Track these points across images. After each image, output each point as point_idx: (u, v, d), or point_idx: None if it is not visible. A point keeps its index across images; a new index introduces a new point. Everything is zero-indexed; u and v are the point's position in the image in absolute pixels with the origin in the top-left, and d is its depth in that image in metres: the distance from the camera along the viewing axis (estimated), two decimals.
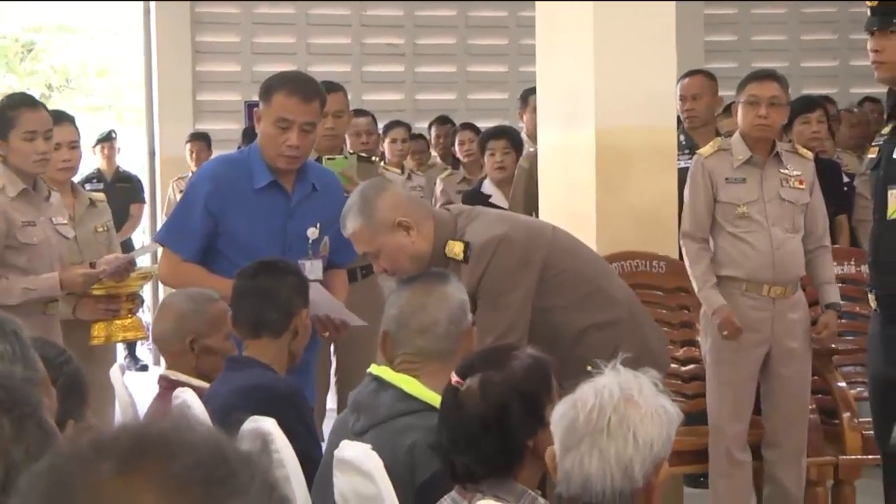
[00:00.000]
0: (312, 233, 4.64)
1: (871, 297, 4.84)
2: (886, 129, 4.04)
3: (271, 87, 4.64)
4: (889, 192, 4.40)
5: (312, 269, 4.61)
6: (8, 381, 1.74)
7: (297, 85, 4.63)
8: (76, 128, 5.80)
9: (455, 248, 4.09)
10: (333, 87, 6.23)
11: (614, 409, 2.50)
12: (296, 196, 4.65)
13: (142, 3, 12.03)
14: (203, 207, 4.62)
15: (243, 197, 4.59)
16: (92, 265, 5.25)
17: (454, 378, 2.96)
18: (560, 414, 2.57)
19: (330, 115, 6.03)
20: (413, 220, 4.09)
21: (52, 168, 5.42)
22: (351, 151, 6.65)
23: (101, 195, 6.09)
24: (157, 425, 1.16)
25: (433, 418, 3.25)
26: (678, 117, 6.70)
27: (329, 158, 5.83)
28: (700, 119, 6.92)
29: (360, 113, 8.61)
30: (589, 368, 3.98)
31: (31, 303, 4.93)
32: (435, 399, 3.30)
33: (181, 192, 10.72)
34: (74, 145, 5.74)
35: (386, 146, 9.25)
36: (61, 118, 5.65)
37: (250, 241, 4.54)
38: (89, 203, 5.76)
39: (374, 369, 3.44)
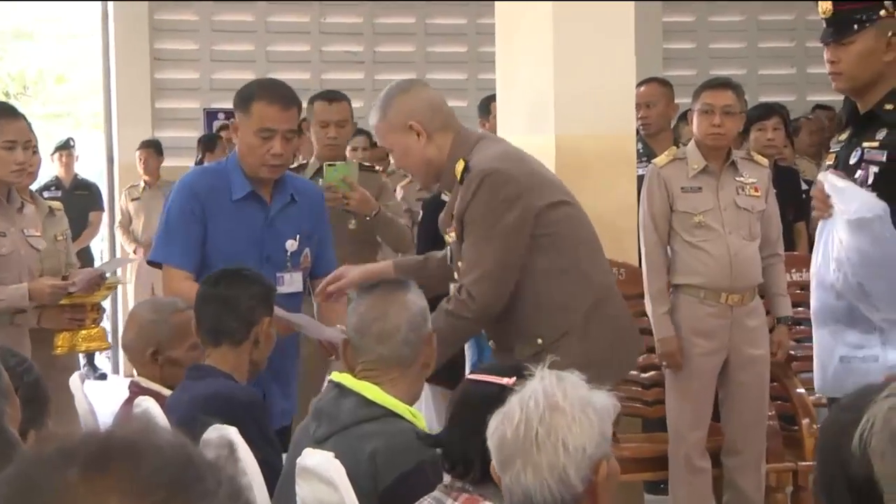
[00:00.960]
0: (291, 245, 4.60)
1: None
2: (843, 136, 4.07)
3: (249, 96, 4.61)
4: None
5: (292, 281, 4.59)
6: None
7: (277, 93, 4.61)
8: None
9: (458, 167, 4.13)
10: (337, 96, 6.24)
11: (540, 421, 2.48)
12: (274, 206, 4.60)
13: (100, 5, 11.96)
14: (192, 217, 4.57)
15: (222, 208, 4.55)
16: (64, 278, 5.21)
17: (507, 379, 2.91)
18: (492, 429, 2.54)
19: (332, 125, 6.06)
20: (426, 128, 4.16)
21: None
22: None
23: (59, 203, 6.04)
24: (123, 430, 1.17)
25: (395, 424, 3.26)
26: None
27: (330, 165, 5.79)
28: (654, 126, 6.95)
29: (358, 132, 8.65)
30: (539, 341, 4.04)
31: None
32: (396, 405, 3.32)
33: (132, 200, 10.73)
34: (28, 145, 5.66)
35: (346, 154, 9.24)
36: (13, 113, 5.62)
37: (229, 252, 4.49)
38: (48, 211, 5.70)
39: (335, 376, 3.44)
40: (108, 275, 5.41)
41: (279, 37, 12.02)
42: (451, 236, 4.23)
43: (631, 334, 4.40)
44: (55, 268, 5.38)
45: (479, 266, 4.05)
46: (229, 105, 13.06)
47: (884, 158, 3.84)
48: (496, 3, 6.19)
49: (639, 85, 6.92)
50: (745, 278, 5.51)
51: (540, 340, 4.07)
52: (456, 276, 4.22)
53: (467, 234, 4.10)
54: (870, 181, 3.81)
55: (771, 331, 5.66)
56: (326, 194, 5.31)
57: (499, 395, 2.76)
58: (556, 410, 2.50)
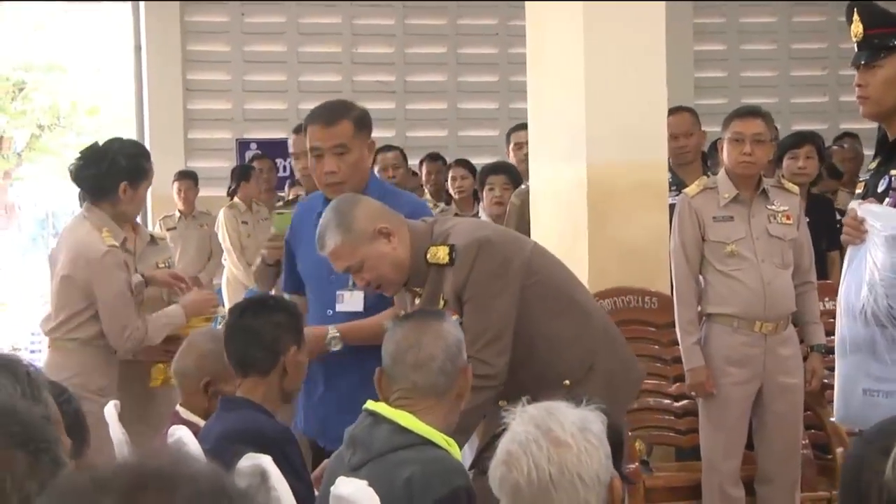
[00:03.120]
0: None
1: None
2: (873, 164, 4.07)
3: (304, 124, 4.70)
4: None
5: (352, 299, 4.56)
6: (26, 417, 1.75)
7: (320, 112, 4.65)
8: None
9: (439, 253, 4.08)
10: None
11: (549, 461, 2.46)
12: None
13: (133, 38, 12.06)
14: (287, 245, 4.79)
15: (306, 232, 4.57)
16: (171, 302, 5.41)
17: None
18: (498, 479, 2.52)
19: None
20: (391, 227, 4.11)
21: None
22: None
23: (163, 233, 6.01)
24: (157, 460, 1.17)
25: (430, 451, 3.27)
26: None
27: (279, 212, 5.73)
28: (692, 155, 6.96)
29: (388, 148, 8.61)
30: (566, 383, 4.00)
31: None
32: (431, 433, 3.33)
33: (168, 230, 10.78)
34: None
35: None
36: None
37: (307, 274, 4.64)
38: (150, 240, 5.65)
39: (370, 405, 3.45)
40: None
41: (311, 67, 12.08)
42: None
43: (630, 351, 4.44)
44: (156, 296, 5.42)
45: (487, 330, 4.02)
46: (262, 135, 13.10)
47: None
48: (527, 34, 6.22)
49: (669, 114, 6.93)
50: (779, 307, 5.50)
51: (567, 382, 4.04)
52: None
53: (471, 306, 4.04)
54: None
55: (804, 359, 5.66)
56: (268, 244, 5.37)
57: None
58: (560, 446, 2.49)
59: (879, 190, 3.89)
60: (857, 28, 3.94)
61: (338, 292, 4.54)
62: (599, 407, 2.63)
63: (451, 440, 3.38)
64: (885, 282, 3.67)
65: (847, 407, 3.88)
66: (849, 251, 3.86)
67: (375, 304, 4.49)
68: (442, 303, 4.07)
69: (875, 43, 3.89)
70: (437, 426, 3.38)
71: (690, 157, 6.96)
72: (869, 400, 3.77)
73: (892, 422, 2.39)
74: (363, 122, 4.65)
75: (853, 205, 3.89)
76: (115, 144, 5.37)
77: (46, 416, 2.19)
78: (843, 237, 3.93)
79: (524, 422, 2.53)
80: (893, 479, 2.15)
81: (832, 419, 5.74)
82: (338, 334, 4.45)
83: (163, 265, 5.59)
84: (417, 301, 4.19)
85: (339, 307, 4.53)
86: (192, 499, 1.13)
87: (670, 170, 6.79)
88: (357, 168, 4.59)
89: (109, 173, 5.20)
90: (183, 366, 4.30)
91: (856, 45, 3.98)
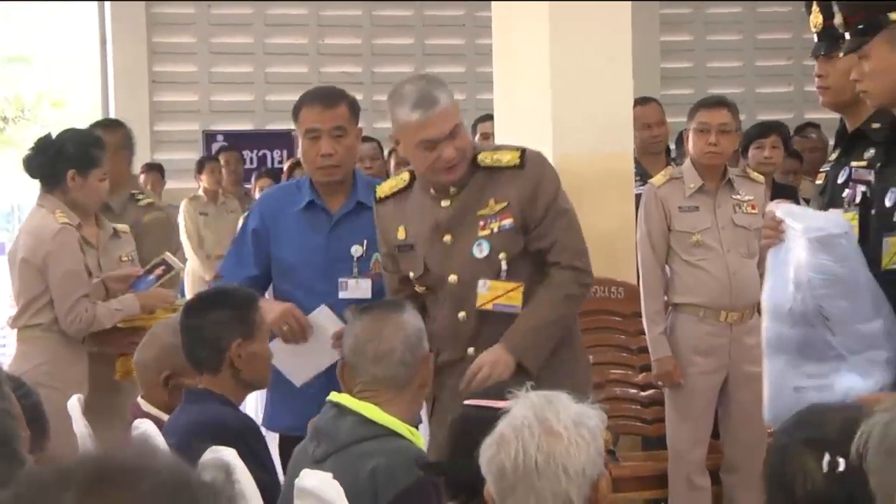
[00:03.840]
0: (356, 250, 4.54)
1: None
2: (833, 156, 4.07)
3: (298, 106, 4.64)
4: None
5: (357, 286, 4.53)
6: None
7: (318, 94, 4.67)
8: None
9: (505, 157, 4.16)
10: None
11: (538, 448, 2.47)
12: (338, 213, 4.58)
13: (98, 29, 12.00)
14: (252, 238, 4.66)
15: (286, 221, 4.57)
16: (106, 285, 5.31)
17: (502, 402, 2.92)
18: (487, 458, 2.53)
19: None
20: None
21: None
22: None
23: (125, 226, 5.86)
24: (119, 453, 1.16)
25: (394, 442, 3.27)
26: None
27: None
28: (662, 145, 6.99)
29: (365, 139, 8.59)
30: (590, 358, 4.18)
31: None
32: (396, 424, 3.33)
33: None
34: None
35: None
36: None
37: (290, 264, 4.57)
38: (112, 233, 5.57)
39: (334, 396, 3.45)
40: (178, 298, 5.44)
41: (278, 59, 12.05)
42: (449, 236, 4.18)
43: None
44: (121, 290, 5.35)
45: (583, 241, 4.21)
46: (228, 127, 13.05)
47: (871, 178, 3.82)
48: (493, 25, 6.21)
49: (638, 104, 6.94)
50: (745, 296, 5.51)
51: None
52: (453, 278, 4.18)
53: (555, 215, 4.15)
54: (857, 200, 3.80)
55: None
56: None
57: (498, 420, 2.77)
58: (552, 436, 2.50)
59: (839, 181, 3.89)
60: (816, 19, 3.94)
61: (340, 280, 4.50)
62: (602, 406, 2.63)
63: (414, 430, 3.40)
64: (811, 282, 3.64)
65: (777, 406, 3.82)
66: (769, 253, 3.82)
67: (382, 290, 4.43)
68: (495, 205, 4.13)
69: (835, 33, 3.89)
70: (401, 416, 3.38)
71: (661, 146, 6.98)
72: (800, 397, 3.70)
73: (809, 412, 2.42)
74: (356, 108, 4.67)
75: (771, 206, 3.86)
76: (67, 134, 5.40)
77: (7, 410, 2.17)
78: (762, 240, 3.91)
79: (524, 406, 2.54)
80: (817, 469, 2.19)
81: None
82: None
83: (126, 259, 5.55)
84: (446, 203, 4.17)
85: (343, 294, 4.48)
86: (154, 492, 1.12)
87: (635, 160, 6.80)
88: (351, 153, 4.61)
89: (56, 161, 5.23)
90: (144, 358, 4.27)
91: (815, 35, 3.98)
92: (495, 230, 4.12)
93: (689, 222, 5.55)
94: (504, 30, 6.14)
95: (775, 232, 3.72)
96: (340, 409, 3.39)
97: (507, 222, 4.09)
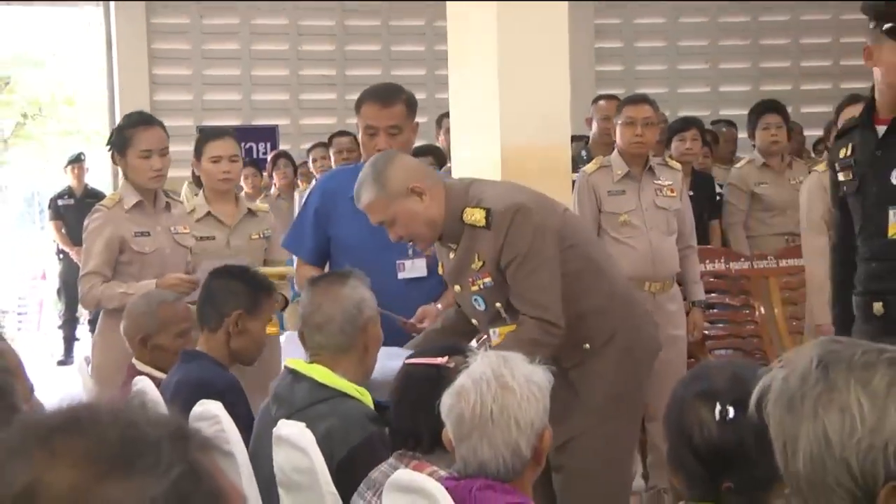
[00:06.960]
0: None
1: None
2: (846, 150, 3.92)
3: (359, 101, 4.42)
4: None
5: (413, 267, 4.34)
6: None
7: (377, 92, 4.44)
8: (236, 142, 5.30)
9: (475, 215, 3.73)
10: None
11: (494, 400, 2.50)
12: None
13: (104, 36, 11.94)
14: (313, 216, 4.48)
15: (346, 203, 4.24)
16: (187, 272, 4.91)
17: (440, 359, 2.92)
18: (448, 406, 2.55)
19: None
20: (425, 186, 3.76)
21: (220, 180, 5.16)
22: None
23: (265, 206, 5.54)
24: (76, 408, 1.10)
25: (344, 403, 3.25)
26: (574, 136, 6.74)
27: None
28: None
29: (342, 133, 8.57)
30: (586, 346, 3.75)
31: None
32: (345, 385, 3.31)
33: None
34: (234, 158, 5.25)
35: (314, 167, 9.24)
36: (222, 133, 5.33)
37: (349, 244, 4.35)
38: (247, 212, 5.31)
39: (289, 362, 3.45)
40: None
41: (261, 62, 12.00)
42: (458, 287, 3.87)
43: (653, 320, 4.21)
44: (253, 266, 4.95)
45: (546, 293, 3.68)
46: (219, 122, 13.01)
47: None
48: (448, 33, 6.20)
49: (601, 99, 6.97)
50: (665, 268, 5.55)
51: (587, 346, 3.80)
52: (477, 322, 3.89)
53: (515, 271, 3.70)
54: None
55: (687, 314, 5.71)
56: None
57: (438, 374, 2.79)
58: (506, 390, 2.52)
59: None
60: None
61: (397, 262, 4.32)
62: (549, 367, 2.63)
63: (363, 390, 3.35)
64: None
65: None
66: None
67: (436, 268, 4.19)
68: (478, 262, 3.76)
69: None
70: (350, 377, 3.36)
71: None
72: None
73: (701, 368, 2.45)
74: (413, 105, 4.44)
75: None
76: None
77: (4, 367, 2.14)
78: None
79: (482, 363, 2.56)
80: (710, 418, 2.25)
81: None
82: None
83: (255, 237, 5.26)
84: (452, 255, 3.85)
85: (402, 275, 4.33)
86: (99, 443, 1.06)
87: (586, 149, 6.80)
88: (406, 147, 4.34)
89: (110, 143, 5.10)
90: (124, 327, 4.36)
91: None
92: (481, 286, 3.79)
93: (617, 204, 5.57)
94: (458, 37, 6.13)
95: None
96: (295, 374, 3.38)
97: (487, 280, 3.77)
